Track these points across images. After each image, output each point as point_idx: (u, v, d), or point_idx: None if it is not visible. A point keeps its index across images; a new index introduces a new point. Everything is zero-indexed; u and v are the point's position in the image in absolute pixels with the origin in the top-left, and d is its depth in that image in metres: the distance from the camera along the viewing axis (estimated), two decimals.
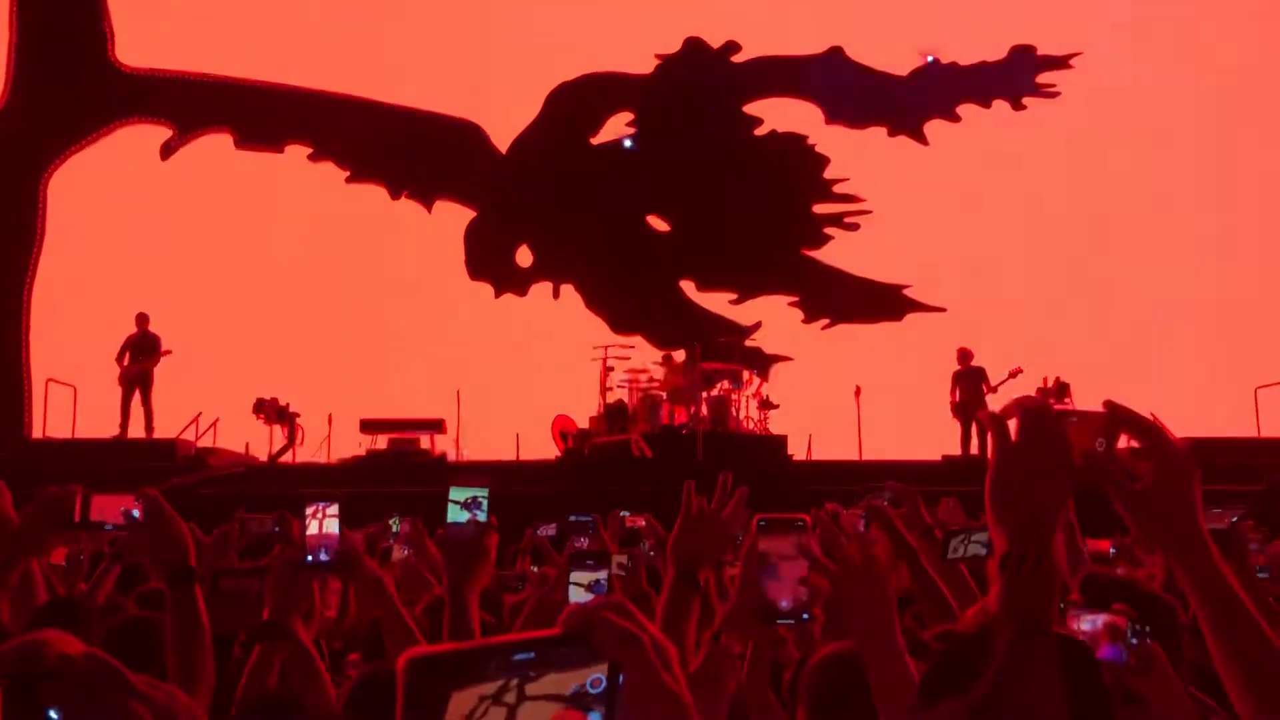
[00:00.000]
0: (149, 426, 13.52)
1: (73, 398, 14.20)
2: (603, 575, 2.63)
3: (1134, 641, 1.77)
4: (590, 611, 0.76)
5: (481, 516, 2.14)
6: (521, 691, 0.73)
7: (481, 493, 2.16)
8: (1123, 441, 1.33)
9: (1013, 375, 13.21)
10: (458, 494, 2.16)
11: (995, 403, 13.12)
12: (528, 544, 5.95)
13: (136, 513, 2.30)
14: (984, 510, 1.21)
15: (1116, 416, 1.31)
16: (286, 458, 13.90)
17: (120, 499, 2.33)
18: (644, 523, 5.92)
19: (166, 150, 16.21)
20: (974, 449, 13.33)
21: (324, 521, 2.28)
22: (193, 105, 16.24)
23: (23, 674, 0.75)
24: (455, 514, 2.14)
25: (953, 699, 1.01)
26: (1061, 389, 13.08)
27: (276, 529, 4.81)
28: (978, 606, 2.77)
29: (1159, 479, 1.30)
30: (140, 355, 13.49)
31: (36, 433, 14.50)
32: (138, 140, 16.30)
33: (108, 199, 16.48)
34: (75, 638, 2.42)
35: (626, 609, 0.77)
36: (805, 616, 1.77)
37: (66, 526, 2.32)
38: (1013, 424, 1.22)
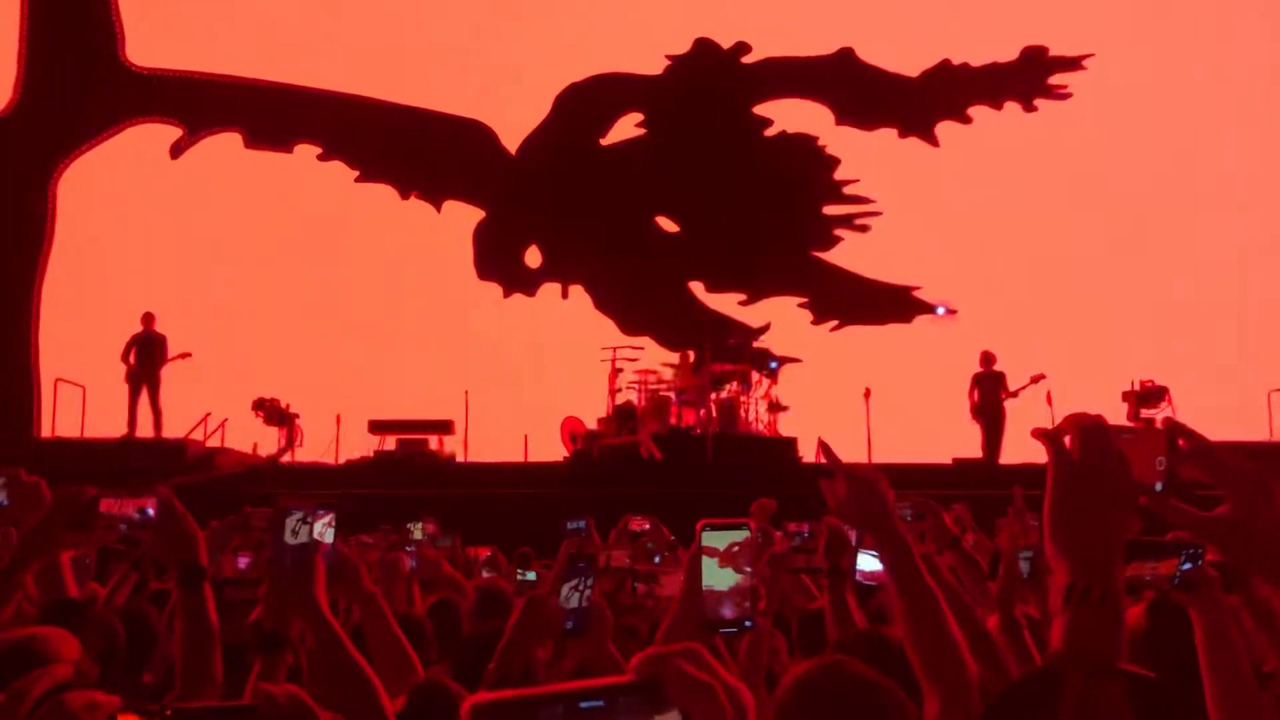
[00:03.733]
0: (157, 426, 13.52)
1: (82, 397, 14.22)
2: (588, 580, 2.54)
3: (1186, 566, 1.80)
4: (663, 659, 0.72)
5: (311, 535, 2.15)
6: None
7: (313, 513, 2.17)
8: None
9: (1034, 381, 12.68)
10: (292, 514, 2.16)
11: (1014, 408, 12.97)
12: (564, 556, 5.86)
13: (151, 510, 2.28)
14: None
15: (1176, 433, 1.22)
16: (285, 458, 13.89)
17: (131, 498, 2.31)
18: (649, 525, 5.88)
19: (176, 150, 16.22)
20: (990, 451, 13.01)
21: (321, 531, 2.22)
22: (202, 105, 16.25)
23: (227, 707, 0.74)
24: (290, 534, 2.15)
25: None
26: (1152, 395, 12.36)
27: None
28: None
29: (1237, 505, 1.20)
30: (145, 354, 13.47)
31: (45, 432, 14.51)
32: (147, 140, 16.33)
33: (117, 199, 16.52)
34: (73, 637, 2.42)
35: (701, 656, 0.74)
36: (747, 624, 1.75)
37: (77, 526, 2.30)
38: (1068, 442, 1.14)
